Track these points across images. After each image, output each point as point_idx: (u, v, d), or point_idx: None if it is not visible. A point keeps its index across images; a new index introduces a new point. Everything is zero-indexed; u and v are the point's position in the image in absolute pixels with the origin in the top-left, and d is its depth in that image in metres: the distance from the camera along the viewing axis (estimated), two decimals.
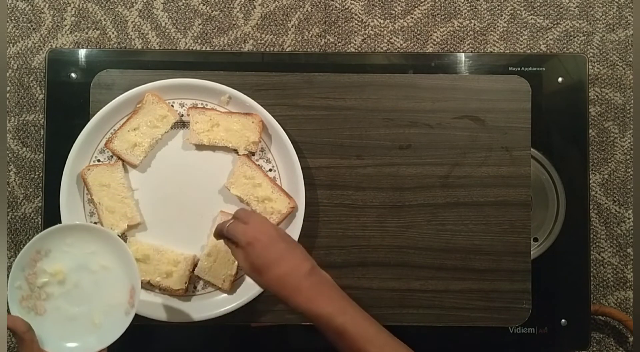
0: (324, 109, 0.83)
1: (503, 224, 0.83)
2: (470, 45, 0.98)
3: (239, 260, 0.65)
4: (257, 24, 0.98)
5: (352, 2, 0.98)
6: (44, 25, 0.97)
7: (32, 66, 0.96)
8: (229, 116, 0.80)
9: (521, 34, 0.98)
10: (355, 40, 0.98)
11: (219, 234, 0.68)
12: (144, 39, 0.97)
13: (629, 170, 0.96)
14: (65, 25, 0.97)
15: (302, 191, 0.79)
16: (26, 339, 0.63)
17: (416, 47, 0.98)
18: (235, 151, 0.81)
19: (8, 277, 0.66)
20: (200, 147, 0.82)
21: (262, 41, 0.98)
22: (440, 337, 0.84)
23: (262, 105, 0.80)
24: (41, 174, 0.93)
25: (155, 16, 0.97)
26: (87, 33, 0.97)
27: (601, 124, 0.97)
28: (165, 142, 0.82)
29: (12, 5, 0.97)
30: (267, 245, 0.64)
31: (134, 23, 0.97)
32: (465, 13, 0.98)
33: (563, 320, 0.84)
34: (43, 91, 0.92)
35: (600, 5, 0.99)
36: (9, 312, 0.65)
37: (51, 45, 0.97)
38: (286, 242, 0.65)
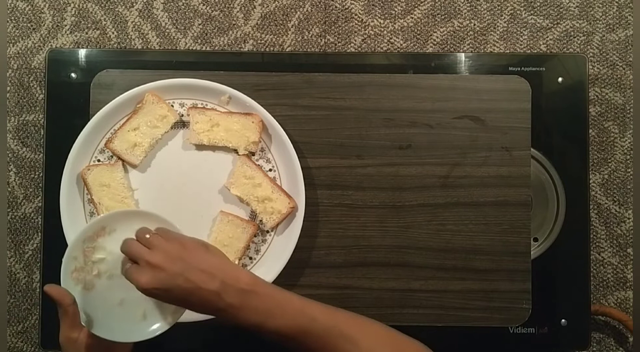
0: (324, 109, 0.83)
1: (503, 224, 0.83)
2: (470, 45, 0.98)
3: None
4: (257, 24, 0.98)
5: (352, 2, 0.98)
6: (44, 25, 0.97)
7: (32, 66, 0.96)
8: (229, 116, 0.80)
9: (521, 34, 0.98)
10: (355, 40, 0.98)
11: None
12: (144, 39, 0.97)
13: (629, 170, 0.96)
14: (65, 25, 0.97)
15: (302, 191, 0.79)
16: (69, 312, 0.63)
17: (416, 47, 0.98)
18: (235, 151, 0.81)
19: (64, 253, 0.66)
20: (200, 147, 0.82)
21: (262, 41, 0.97)
22: (440, 337, 0.84)
23: (262, 105, 0.80)
24: (41, 174, 0.93)
25: (155, 16, 0.97)
26: (87, 33, 0.97)
27: (601, 124, 0.97)
28: (165, 142, 0.82)
29: (12, 5, 0.97)
30: (169, 280, 0.61)
31: (134, 23, 0.97)
32: (465, 13, 0.98)
33: (563, 320, 0.84)
34: (43, 91, 0.92)
35: (600, 5, 0.98)
36: (57, 282, 0.65)
37: (51, 45, 0.97)
38: (184, 263, 0.62)
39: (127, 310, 0.68)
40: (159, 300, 0.63)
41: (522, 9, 0.98)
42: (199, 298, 0.60)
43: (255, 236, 0.81)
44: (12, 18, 0.97)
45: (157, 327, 0.67)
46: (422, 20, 0.98)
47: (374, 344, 0.61)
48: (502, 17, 0.98)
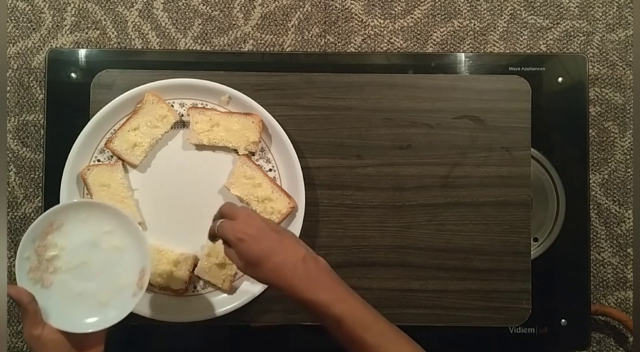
0: (324, 109, 0.83)
1: (503, 224, 0.83)
2: (470, 45, 0.98)
3: (233, 259, 0.65)
4: (257, 24, 0.98)
5: (352, 2, 0.98)
6: (44, 25, 0.97)
7: (32, 66, 0.96)
8: (229, 116, 0.80)
9: (521, 34, 0.98)
10: (355, 40, 0.98)
11: (212, 235, 0.68)
12: (144, 39, 0.97)
13: (629, 170, 0.96)
14: (65, 25, 0.97)
15: (302, 191, 0.79)
16: (29, 310, 0.63)
17: (416, 47, 0.98)
18: (235, 151, 0.81)
19: (16, 252, 0.66)
20: (200, 147, 0.82)
21: (262, 41, 0.97)
22: (440, 337, 0.84)
23: (262, 105, 0.80)
24: (41, 174, 0.93)
25: (155, 16, 0.97)
26: (87, 33, 0.97)
27: (601, 124, 0.97)
28: (165, 142, 0.82)
29: (12, 5, 0.97)
30: (258, 238, 0.63)
31: (134, 23, 0.97)
32: (465, 13, 0.98)
33: (563, 320, 0.84)
34: (43, 91, 0.92)
35: (600, 5, 0.98)
36: (14, 283, 0.66)
37: (51, 45, 0.97)
38: (277, 232, 0.65)
39: (87, 300, 0.68)
40: (240, 248, 0.63)
41: (522, 9, 0.98)
42: (284, 259, 0.62)
43: None
44: (12, 18, 0.97)
45: (116, 314, 0.67)
46: (422, 20, 0.98)
47: None
48: (502, 17, 0.98)
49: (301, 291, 0.61)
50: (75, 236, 0.69)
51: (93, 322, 0.67)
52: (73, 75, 0.85)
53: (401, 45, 0.98)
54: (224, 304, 0.79)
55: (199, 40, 0.97)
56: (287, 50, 0.97)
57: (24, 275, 0.67)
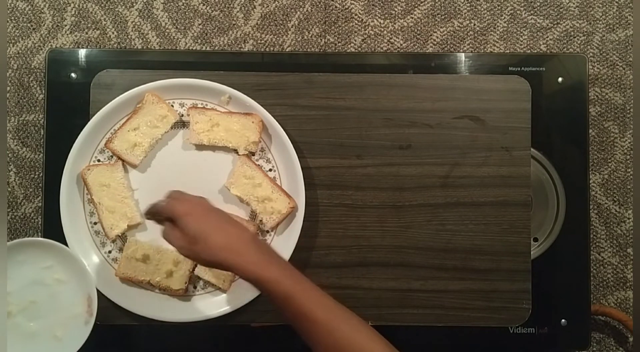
0: (324, 109, 0.83)
1: (503, 224, 0.83)
2: (470, 45, 0.98)
3: (172, 239, 0.64)
4: (257, 24, 0.98)
5: (352, 2, 0.98)
6: (44, 25, 0.97)
7: (32, 66, 0.96)
8: (229, 116, 0.80)
9: (521, 34, 0.98)
10: (355, 40, 0.98)
11: (151, 213, 0.67)
12: (144, 39, 0.97)
13: (629, 170, 0.96)
14: (65, 25, 0.97)
15: (302, 191, 0.79)
16: None
17: (416, 47, 0.98)
18: (235, 151, 0.81)
19: None
20: (200, 147, 0.82)
21: (262, 41, 0.97)
22: (440, 337, 0.84)
23: (262, 105, 0.80)
24: (41, 174, 0.93)
25: (155, 16, 0.97)
26: (87, 33, 0.97)
27: (601, 124, 0.97)
28: (165, 142, 0.82)
29: (12, 5, 0.97)
30: (206, 214, 0.64)
31: (134, 23, 0.97)
32: (465, 13, 0.98)
33: (563, 320, 0.84)
34: (43, 91, 0.92)
35: (600, 5, 0.99)
36: None
37: (51, 45, 0.97)
38: (224, 214, 0.65)
39: (43, 339, 0.70)
40: (187, 222, 0.63)
41: (522, 9, 0.98)
42: (234, 236, 0.63)
43: None
44: (12, 18, 0.97)
45: (73, 345, 0.69)
46: (422, 20, 0.98)
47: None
48: (502, 17, 0.98)
49: (252, 267, 0.61)
50: (18, 279, 0.70)
51: None
52: (73, 75, 0.85)
53: (401, 45, 0.98)
54: (224, 304, 0.79)
55: (199, 40, 0.97)
56: (287, 50, 0.97)
57: None
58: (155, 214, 0.67)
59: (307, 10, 0.98)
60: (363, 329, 0.61)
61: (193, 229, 0.62)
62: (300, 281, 0.62)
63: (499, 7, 0.98)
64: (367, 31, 0.98)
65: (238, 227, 0.65)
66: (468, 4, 0.98)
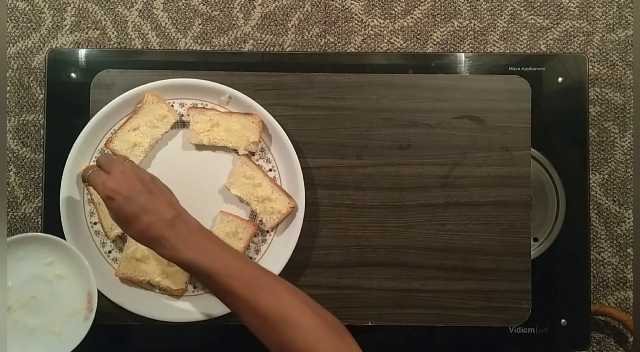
0: (324, 109, 0.83)
1: (503, 224, 0.83)
2: (470, 45, 0.98)
3: (108, 211, 0.67)
4: (257, 24, 0.98)
5: (352, 2, 0.98)
6: (44, 25, 0.97)
7: (32, 66, 0.96)
8: (229, 116, 0.80)
9: (521, 34, 0.98)
10: (355, 40, 0.98)
11: (82, 179, 0.71)
12: (144, 39, 0.97)
13: (629, 170, 0.96)
14: (65, 25, 0.97)
15: (302, 191, 0.79)
16: None
17: (416, 47, 0.98)
18: (235, 151, 0.81)
19: None
20: (200, 147, 0.82)
21: (262, 41, 0.97)
22: (440, 337, 0.84)
23: (262, 105, 0.80)
24: (41, 174, 0.93)
25: (155, 16, 0.97)
26: (87, 33, 0.97)
27: (601, 124, 0.97)
28: (165, 142, 0.82)
29: (12, 5, 0.97)
30: (127, 198, 0.64)
31: (134, 23, 0.97)
32: (465, 13, 0.98)
33: (563, 320, 0.84)
34: (43, 91, 0.92)
35: (600, 5, 0.98)
36: None
37: (51, 45, 0.97)
38: (149, 193, 0.65)
39: (42, 335, 0.70)
40: (110, 206, 0.66)
41: (522, 9, 0.98)
42: (151, 222, 0.64)
43: (255, 236, 0.81)
44: (12, 18, 0.97)
45: (72, 341, 0.69)
46: (422, 20, 0.98)
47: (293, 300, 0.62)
48: (502, 17, 0.98)
49: (169, 252, 0.63)
50: (18, 274, 0.70)
51: None
52: (73, 75, 0.85)
53: (401, 45, 0.98)
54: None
55: (199, 40, 0.97)
56: (287, 50, 0.97)
57: None
58: (84, 181, 0.72)
59: (307, 10, 0.98)
60: (283, 295, 0.61)
61: (115, 215, 0.65)
62: (219, 255, 0.63)
63: (499, 7, 0.98)
64: (367, 31, 0.98)
65: (159, 208, 0.65)
66: (468, 4, 0.98)
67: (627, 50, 0.98)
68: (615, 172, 0.96)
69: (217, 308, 0.78)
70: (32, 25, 0.97)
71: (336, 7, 0.98)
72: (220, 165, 0.81)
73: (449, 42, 0.98)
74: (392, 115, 0.84)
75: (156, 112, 0.80)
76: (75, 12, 0.97)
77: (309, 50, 0.97)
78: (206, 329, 0.82)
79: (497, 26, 0.98)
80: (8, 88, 0.95)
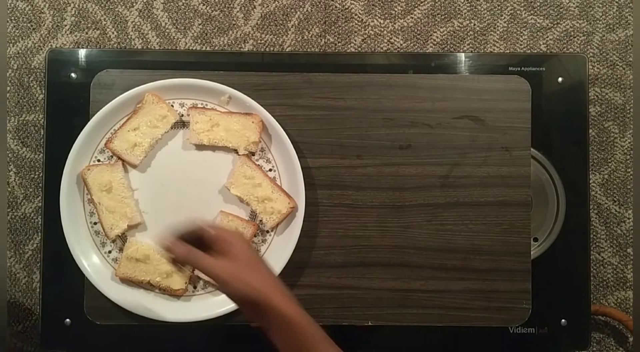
0: (324, 109, 0.83)
1: (503, 224, 0.83)
2: (470, 45, 0.98)
3: (212, 262, 0.61)
4: (257, 24, 0.98)
5: (352, 2, 0.98)
6: (44, 25, 0.97)
7: (32, 66, 0.96)
8: (229, 116, 0.80)
9: (521, 34, 0.98)
10: (355, 40, 0.98)
11: (188, 235, 0.64)
12: (144, 39, 0.97)
13: (629, 170, 0.96)
14: (65, 25, 0.97)
15: (302, 191, 0.79)
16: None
17: (416, 47, 0.98)
18: (235, 151, 0.81)
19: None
20: (200, 147, 0.82)
21: (262, 41, 0.98)
22: (440, 337, 0.84)
23: (262, 105, 0.80)
24: (41, 174, 0.93)
25: (155, 16, 0.97)
26: (87, 33, 0.97)
27: (601, 124, 0.97)
28: (165, 142, 0.82)
29: (12, 5, 0.97)
30: (247, 245, 0.63)
31: (134, 23, 0.97)
32: (465, 13, 0.98)
33: (563, 320, 0.84)
34: (43, 91, 0.92)
35: (600, 5, 0.99)
36: None
37: (51, 45, 0.97)
38: (255, 267, 0.62)
39: None
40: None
41: (522, 9, 0.98)
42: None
43: (255, 236, 0.81)
44: (12, 18, 0.97)
45: None
46: (422, 20, 0.98)
47: None
48: (502, 17, 0.98)
49: (285, 306, 0.60)
50: None
51: None
52: (73, 75, 0.85)
53: (401, 45, 0.98)
54: (224, 304, 0.79)
55: (199, 40, 0.97)
56: (287, 50, 0.97)
57: None
58: (191, 237, 0.63)
59: (307, 10, 0.98)
60: None
61: (246, 255, 0.61)
62: (310, 320, 0.62)
63: (499, 7, 0.98)
64: (367, 31, 0.98)
65: (271, 284, 0.62)
66: (468, 4, 0.98)
67: (627, 50, 0.98)
68: (615, 172, 0.96)
69: (217, 308, 0.78)
70: (32, 25, 0.97)
71: (336, 7, 0.98)
72: (220, 166, 0.81)
73: (449, 42, 0.98)
74: (392, 115, 0.84)
75: (156, 112, 0.80)
76: (75, 12, 0.97)
77: (309, 50, 0.97)
78: (206, 329, 0.82)
79: (497, 26, 0.98)
80: (8, 88, 0.95)
